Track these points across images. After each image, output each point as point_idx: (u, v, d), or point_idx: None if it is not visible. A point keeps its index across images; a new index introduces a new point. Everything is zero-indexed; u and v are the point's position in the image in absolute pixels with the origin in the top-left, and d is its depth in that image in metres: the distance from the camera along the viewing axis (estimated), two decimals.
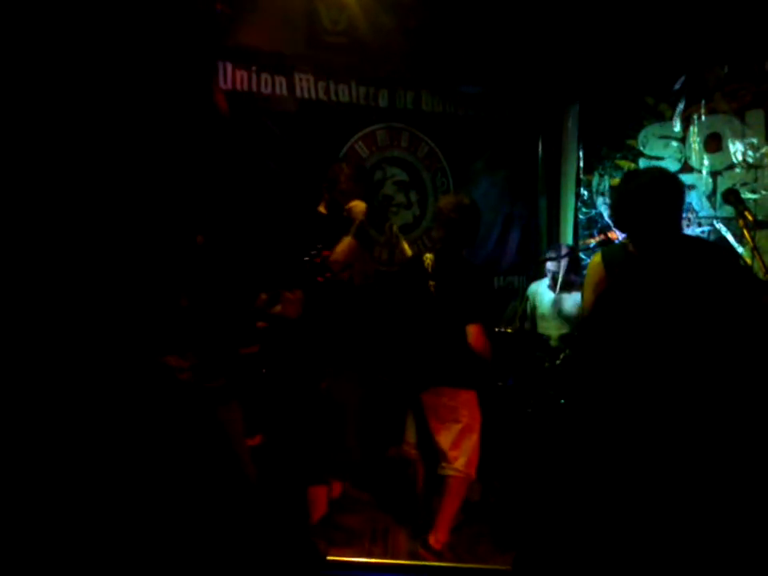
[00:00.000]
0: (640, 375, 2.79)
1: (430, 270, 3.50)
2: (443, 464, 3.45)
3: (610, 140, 5.57)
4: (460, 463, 3.41)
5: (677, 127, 5.26)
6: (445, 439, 3.44)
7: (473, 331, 3.31)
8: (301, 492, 3.36)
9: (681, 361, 2.74)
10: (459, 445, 3.43)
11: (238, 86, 4.76)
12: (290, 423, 3.40)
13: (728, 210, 4.87)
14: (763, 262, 2.89)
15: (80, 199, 3.40)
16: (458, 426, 3.42)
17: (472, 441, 3.46)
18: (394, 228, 3.93)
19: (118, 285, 3.22)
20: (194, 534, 2.47)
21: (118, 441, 2.67)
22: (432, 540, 3.42)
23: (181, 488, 2.64)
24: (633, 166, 5.45)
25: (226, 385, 3.19)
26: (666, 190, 2.81)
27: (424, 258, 3.56)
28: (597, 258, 2.99)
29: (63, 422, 2.61)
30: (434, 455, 3.51)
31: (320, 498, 3.46)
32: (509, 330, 4.34)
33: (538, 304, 4.84)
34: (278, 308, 3.16)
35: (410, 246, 4.65)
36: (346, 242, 3.40)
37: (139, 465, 2.64)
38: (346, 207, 3.47)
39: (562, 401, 4.05)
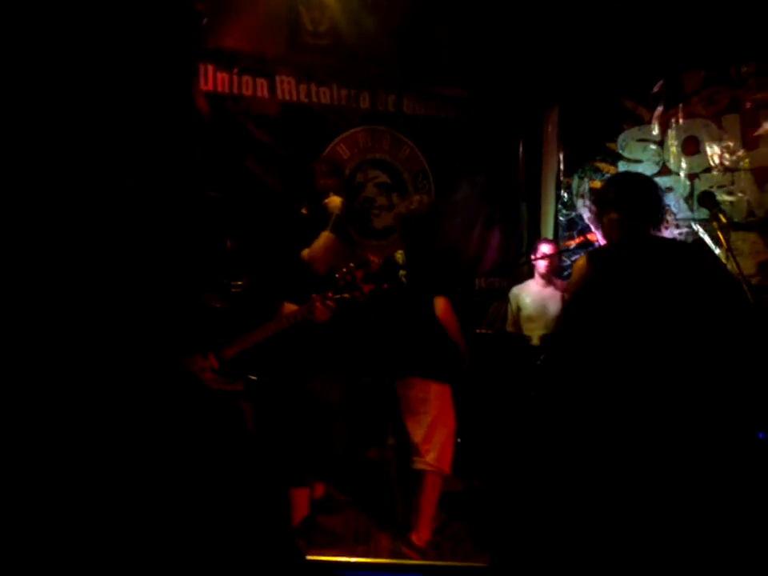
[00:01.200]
0: (618, 375, 2.83)
1: (401, 263, 3.61)
2: (414, 458, 3.45)
3: (590, 143, 5.63)
4: (431, 457, 3.42)
5: (655, 130, 5.32)
6: (416, 432, 3.46)
7: (440, 303, 3.43)
8: (283, 493, 3.37)
9: (659, 359, 2.78)
10: (430, 438, 3.43)
11: (219, 88, 4.76)
12: (273, 424, 3.40)
13: (705, 212, 4.93)
14: (737, 263, 2.94)
15: (81, 197, 3.40)
16: (429, 419, 3.43)
17: (443, 435, 3.46)
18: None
19: (144, 286, 3.23)
20: (192, 534, 2.48)
21: (135, 440, 2.68)
22: (414, 538, 3.44)
23: (192, 488, 2.65)
24: (612, 168, 5.52)
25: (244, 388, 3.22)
26: (646, 195, 2.87)
27: (395, 255, 3.67)
28: (583, 259, 3.03)
29: (80, 420, 2.61)
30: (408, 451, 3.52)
31: (302, 500, 3.46)
32: (489, 332, 4.37)
33: (522, 306, 4.87)
34: (312, 316, 3.18)
35: (390, 248, 4.69)
36: (323, 237, 3.43)
37: (153, 463, 2.65)
38: (323, 203, 3.51)
39: (541, 401, 4.09)
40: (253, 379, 3.33)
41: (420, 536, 3.44)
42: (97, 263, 3.20)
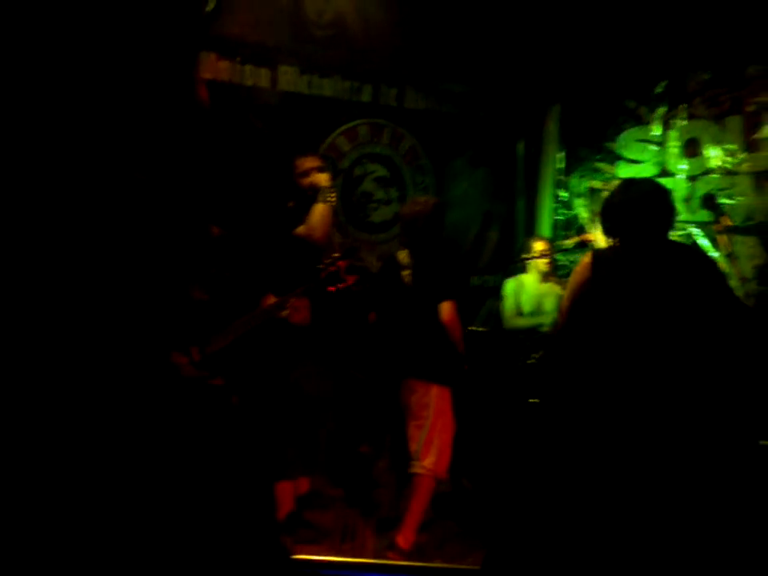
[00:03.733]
0: (620, 377, 2.82)
1: (404, 263, 3.59)
2: (413, 462, 3.47)
3: (590, 142, 5.60)
4: (429, 461, 3.43)
5: (656, 131, 5.30)
6: (417, 437, 3.47)
7: (445, 307, 3.43)
8: (268, 488, 3.36)
9: (662, 362, 2.77)
10: (430, 443, 3.45)
11: (221, 77, 4.74)
12: (257, 417, 3.40)
13: (704, 215, 4.91)
14: (739, 266, 2.93)
15: (71, 193, 3.40)
16: (429, 424, 3.45)
17: (443, 440, 3.48)
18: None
19: (125, 278, 3.23)
20: (176, 528, 2.49)
21: (118, 435, 2.68)
22: (400, 540, 3.42)
23: (176, 484, 2.65)
24: (612, 169, 5.49)
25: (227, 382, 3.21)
26: (659, 202, 2.87)
27: (398, 254, 3.65)
28: (587, 258, 2.99)
29: (66, 416, 2.62)
30: (405, 452, 3.53)
31: (287, 494, 3.46)
32: (482, 330, 4.36)
33: (520, 301, 4.85)
34: (285, 313, 3.16)
35: (387, 242, 4.68)
36: (318, 209, 3.44)
37: (137, 459, 2.66)
38: (309, 181, 3.52)
39: (535, 400, 4.08)
40: (238, 374, 3.31)
41: (406, 537, 3.43)
42: (94, 257, 3.21)
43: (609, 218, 2.96)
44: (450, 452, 3.51)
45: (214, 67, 4.75)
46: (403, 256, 3.63)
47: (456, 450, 3.61)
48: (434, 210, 3.61)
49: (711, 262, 3.02)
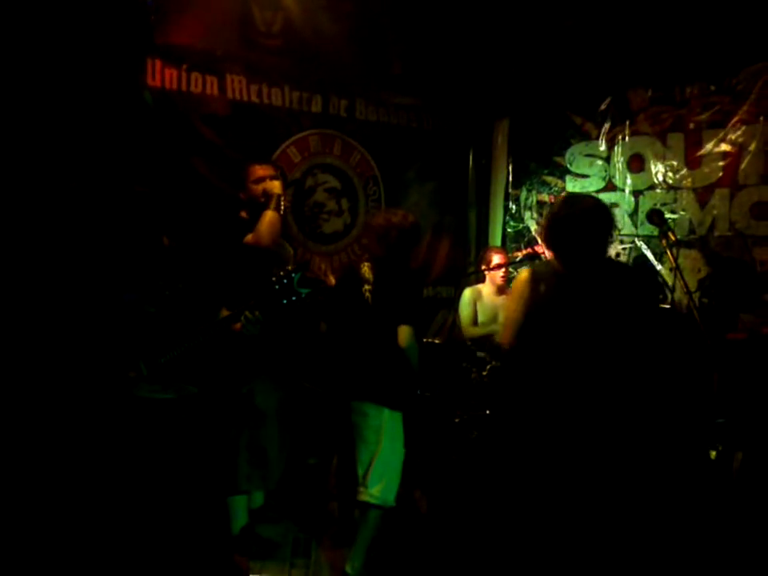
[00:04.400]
0: (559, 387, 2.88)
1: (366, 277, 3.46)
2: (360, 488, 3.32)
3: (538, 156, 5.70)
4: (377, 489, 3.29)
5: (602, 146, 5.42)
6: (364, 460, 3.34)
7: (404, 332, 3.31)
8: (220, 503, 3.27)
9: (601, 373, 2.82)
10: (378, 470, 3.30)
11: (167, 85, 4.63)
12: (212, 429, 3.30)
13: (649, 229, 5.04)
14: (684, 280, 3.00)
15: (13, 201, 3.27)
16: (379, 449, 3.31)
17: (392, 466, 3.35)
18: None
19: (71, 288, 3.11)
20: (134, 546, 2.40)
21: (65, 450, 2.57)
22: (349, 569, 3.31)
23: (125, 499, 2.55)
24: (560, 183, 5.59)
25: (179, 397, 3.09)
26: (600, 219, 2.92)
27: (360, 267, 3.52)
28: (525, 273, 3.08)
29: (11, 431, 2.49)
30: (353, 473, 3.41)
31: (240, 508, 3.37)
32: (437, 341, 4.35)
33: (480, 310, 4.87)
34: (237, 325, 3.07)
35: (339, 253, 4.61)
36: (267, 216, 3.39)
37: (85, 475, 2.55)
38: (262, 188, 3.47)
39: (488, 411, 4.09)
40: (190, 388, 3.21)
41: (354, 565, 3.31)
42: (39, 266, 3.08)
43: (550, 233, 3.01)
44: (399, 479, 3.38)
45: (160, 75, 4.64)
46: (365, 270, 3.50)
47: (408, 462, 3.57)
48: (411, 228, 3.48)
49: (645, 279, 3.11)
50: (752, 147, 4.71)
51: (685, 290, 3.13)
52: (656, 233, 4.70)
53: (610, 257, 3.09)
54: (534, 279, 3.01)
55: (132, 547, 2.59)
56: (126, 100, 4.36)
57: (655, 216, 3.37)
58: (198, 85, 4.74)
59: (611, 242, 2.98)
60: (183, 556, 2.54)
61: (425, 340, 4.17)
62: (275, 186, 3.50)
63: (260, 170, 3.54)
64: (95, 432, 2.90)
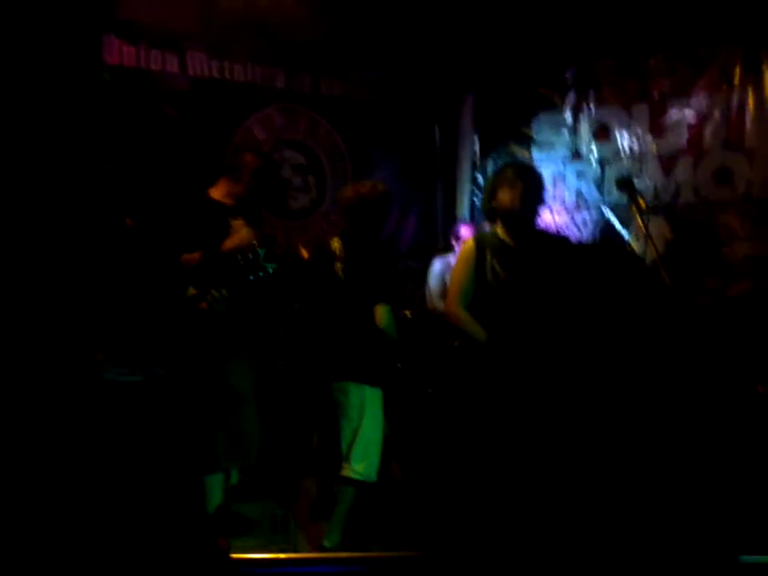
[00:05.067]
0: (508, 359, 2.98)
1: (338, 253, 3.39)
2: (344, 464, 3.31)
3: (505, 127, 5.69)
4: (361, 466, 3.28)
5: (568, 117, 5.43)
6: (347, 437, 3.32)
7: (381, 312, 3.27)
8: (196, 482, 3.24)
9: (543, 342, 2.96)
10: (361, 445, 3.29)
11: (126, 62, 4.54)
12: (183, 411, 3.27)
13: (615, 197, 5.08)
14: (656, 247, 3.04)
15: None
16: (361, 426, 3.30)
17: (374, 442, 3.34)
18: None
19: (32, 271, 3.04)
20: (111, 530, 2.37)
21: (35, 435, 2.53)
22: (326, 542, 3.29)
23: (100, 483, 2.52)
24: (526, 153, 5.59)
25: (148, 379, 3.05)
26: (532, 184, 3.05)
27: (331, 242, 3.45)
28: (470, 242, 3.20)
29: None
30: (333, 452, 3.40)
31: (216, 487, 3.34)
32: (407, 314, 4.34)
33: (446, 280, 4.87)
34: (204, 304, 3.02)
35: (308, 230, 4.56)
36: (244, 232, 3.36)
37: (59, 460, 2.52)
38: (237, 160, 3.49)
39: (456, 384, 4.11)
40: (157, 370, 3.17)
41: (331, 539, 3.29)
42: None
43: (486, 202, 3.13)
44: (380, 455, 3.37)
45: (119, 52, 4.55)
46: (336, 245, 3.41)
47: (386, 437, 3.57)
48: (380, 198, 3.39)
49: (575, 248, 3.25)
50: (715, 115, 4.76)
51: (656, 255, 3.16)
52: (623, 201, 4.76)
53: (545, 228, 3.28)
54: (478, 247, 3.08)
55: (107, 532, 2.56)
56: (84, 78, 4.28)
57: (625, 184, 3.39)
58: (157, 62, 4.65)
59: (542, 206, 3.15)
60: (162, 539, 2.52)
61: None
62: (252, 158, 3.47)
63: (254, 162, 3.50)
64: (65, 415, 2.86)
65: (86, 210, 3.67)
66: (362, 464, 3.28)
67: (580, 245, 4.14)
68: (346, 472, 3.30)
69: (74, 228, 3.58)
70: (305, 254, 4.01)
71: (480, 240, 3.16)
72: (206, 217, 3.37)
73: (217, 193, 3.48)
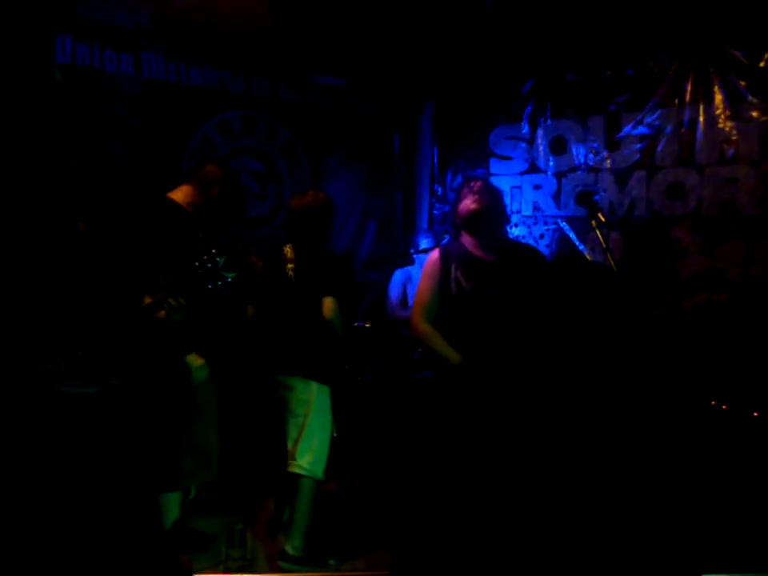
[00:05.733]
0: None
1: (288, 256, 3.49)
2: (290, 461, 3.34)
3: (463, 138, 5.72)
4: (306, 461, 3.31)
5: (525, 129, 5.48)
6: (293, 434, 3.36)
7: (327, 303, 3.34)
8: (152, 499, 3.15)
9: (508, 355, 3.01)
10: (307, 442, 3.33)
11: (79, 62, 4.41)
12: (145, 424, 3.17)
13: (572, 210, 5.15)
14: (614, 260, 3.09)
15: None
16: (307, 422, 3.34)
17: (320, 439, 3.37)
18: None
19: None
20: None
21: None
22: (289, 548, 3.29)
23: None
24: (484, 164, 5.63)
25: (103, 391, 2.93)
26: (494, 200, 3.11)
27: (284, 248, 3.54)
28: (436, 253, 3.24)
29: None
30: (283, 451, 3.41)
31: (174, 503, 3.26)
32: (367, 325, 4.33)
33: (410, 292, 4.86)
34: (162, 313, 2.93)
35: (265, 239, 4.50)
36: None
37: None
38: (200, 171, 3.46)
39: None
40: (112, 381, 3.07)
41: (294, 544, 3.30)
42: None
43: (450, 214, 3.24)
44: (328, 452, 3.40)
45: (72, 52, 4.41)
46: (288, 250, 3.52)
47: (343, 447, 3.55)
48: (323, 205, 3.53)
49: (538, 256, 3.29)
50: (668, 130, 4.87)
51: (615, 268, 3.22)
52: (579, 214, 4.83)
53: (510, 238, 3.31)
54: (443, 258, 3.13)
55: (59, 553, 2.46)
56: (35, 78, 4.14)
57: (585, 198, 3.45)
58: (111, 63, 4.53)
59: (507, 222, 3.30)
60: (121, 559, 2.43)
61: (354, 324, 4.15)
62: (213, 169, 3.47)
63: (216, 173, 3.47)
64: (9, 429, 2.74)
65: (34, 213, 3.54)
66: (306, 459, 3.32)
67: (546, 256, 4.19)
68: (293, 468, 3.33)
69: (22, 233, 3.45)
70: (258, 264, 4.01)
71: (445, 251, 3.20)
72: (166, 219, 3.31)
73: (177, 198, 3.42)
